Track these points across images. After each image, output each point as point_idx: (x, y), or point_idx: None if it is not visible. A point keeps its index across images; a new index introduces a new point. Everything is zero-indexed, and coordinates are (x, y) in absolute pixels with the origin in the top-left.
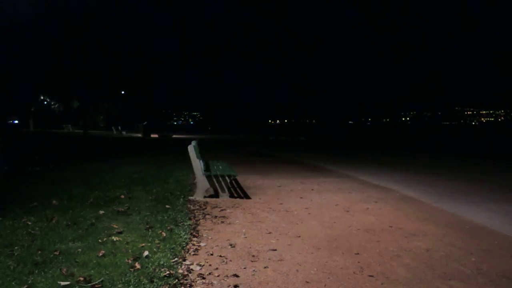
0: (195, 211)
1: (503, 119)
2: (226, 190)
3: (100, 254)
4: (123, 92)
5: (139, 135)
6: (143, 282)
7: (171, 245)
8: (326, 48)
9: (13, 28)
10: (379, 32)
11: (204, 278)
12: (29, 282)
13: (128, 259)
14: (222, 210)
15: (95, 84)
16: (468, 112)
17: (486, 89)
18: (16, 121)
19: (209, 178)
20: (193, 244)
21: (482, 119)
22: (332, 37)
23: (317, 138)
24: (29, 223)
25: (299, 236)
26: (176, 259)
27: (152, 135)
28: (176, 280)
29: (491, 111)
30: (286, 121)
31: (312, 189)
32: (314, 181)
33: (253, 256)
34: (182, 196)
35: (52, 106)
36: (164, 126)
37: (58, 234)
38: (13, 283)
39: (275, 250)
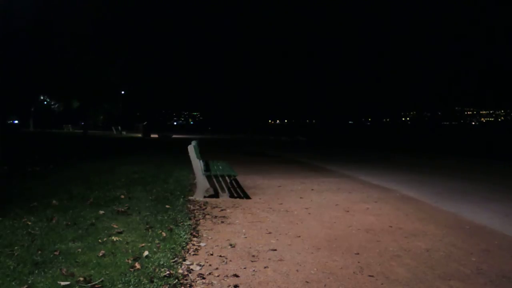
0: (195, 211)
1: (503, 119)
2: (226, 190)
3: (100, 254)
4: (123, 92)
5: (139, 135)
6: (143, 282)
7: (171, 245)
8: (326, 47)
9: (13, 28)
10: (379, 31)
11: (204, 278)
12: (29, 282)
13: (128, 259)
14: (222, 210)
15: (95, 84)
16: (468, 112)
17: (486, 89)
18: (16, 121)
19: (209, 178)
20: (193, 244)
21: (482, 119)
22: (333, 36)
23: (317, 138)
24: (29, 223)
25: (299, 236)
26: (176, 259)
27: (152, 135)
28: (176, 280)
29: (491, 111)
30: (286, 121)
31: (312, 189)
32: (314, 181)
33: (253, 256)
34: (182, 196)
35: (52, 106)
36: (164, 126)
37: (58, 234)
38: (13, 283)
39: (275, 250)
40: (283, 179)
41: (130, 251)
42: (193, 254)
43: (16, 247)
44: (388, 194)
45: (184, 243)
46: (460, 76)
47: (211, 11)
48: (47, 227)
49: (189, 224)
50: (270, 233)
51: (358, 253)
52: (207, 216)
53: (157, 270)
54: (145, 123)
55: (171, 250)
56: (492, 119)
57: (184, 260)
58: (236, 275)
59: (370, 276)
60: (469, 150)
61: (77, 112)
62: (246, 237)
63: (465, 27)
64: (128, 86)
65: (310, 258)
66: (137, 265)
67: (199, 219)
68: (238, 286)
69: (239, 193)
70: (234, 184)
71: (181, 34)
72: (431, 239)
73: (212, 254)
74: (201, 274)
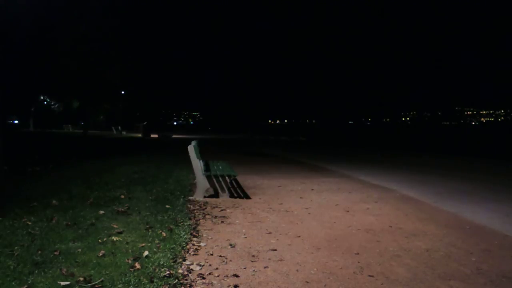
0: (195, 211)
1: (503, 119)
2: (226, 190)
3: (100, 254)
4: (123, 92)
5: (139, 135)
6: (143, 282)
7: (171, 245)
8: (326, 47)
9: (14, 29)
10: (380, 31)
11: (204, 278)
12: (29, 282)
13: (128, 259)
14: (222, 210)
15: (95, 84)
16: (468, 112)
17: (486, 89)
18: (16, 121)
19: (209, 178)
20: (193, 244)
21: (482, 119)
22: (333, 36)
23: (317, 138)
24: (29, 223)
25: (299, 236)
26: (176, 259)
27: (152, 135)
28: (176, 280)
29: (491, 111)
30: (286, 121)
31: (312, 189)
32: (314, 181)
33: (253, 256)
34: (182, 196)
35: (52, 106)
36: (164, 126)
37: (58, 234)
38: (13, 283)
39: (275, 250)
40: (283, 179)
41: (130, 251)
42: (193, 254)
43: (16, 247)
44: (388, 194)
45: (184, 243)
46: (460, 76)
47: (212, 11)
48: (47, 227)
49: (189, 224)
50: (270, 233)
51: (358, 253)
52: (207, 216)
53: (157, 270)
54: (145, 123)
55: (171, 250)
56: (492, 119)
57: (184, 260)
58: (236, 275)
59: (370, 276)
60: (469, 150)
61: (77, 112)
62: (246, 237)
63: (465, 26)
64: (128, 86)
65: (310, 258)
66: (137, 265)
67: (199, 219)
68: (238, 286)
69: (239, 193)
70: (234, 184)
71: (182, 34)
72: (431, 239)
73: (212, 254)
74: (201, 274)
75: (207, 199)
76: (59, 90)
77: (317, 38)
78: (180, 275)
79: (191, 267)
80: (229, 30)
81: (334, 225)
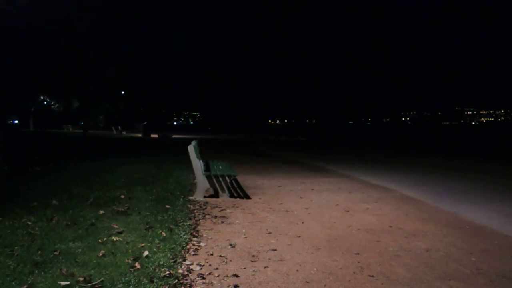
0: (195, 211)
1: (503, 119)
2: (226, 190)
3: (100, 254)
4: (123, 92)
5: (139, 135)
6: (143, 282)
7: (171, 245)
8: (326, 47)
9: (13, 29)
10: (379, 31)
11: (204, 278)
12: (29, 282)
13: (128, 259)
14: (222, 210)
15: (95, 84)
16: (468, 112)
17: (486, 89)
18: (16, 121)
19: (209, 178)
20: (193, 244)
21: (482, 119)
22: (332, 36)
23: (317, 138)
24: (29, 223)
25: (299, 236)
26: (176, 259)
27: (152, 135)
28: (176, 280)
29: (491, 111)
30: (286, 121)
31: (312, 189)
32: (314, 181)
33: (253, 256)
34: (182, 196)
35: (52, 106)
36: (164, 126)
37: (58, 234)
38: (13, 283)
39: (275, 250)
40: (283, 179)
41: (130, 251)
42: (193, 254)
43: (16, 247)
44: (388, 194)
45: (184, 243)
46: (461, 76)
47: (212, 11)
48: (47, 227)
49: (189, 224)
50: (270, 233)
51: (358, 253)
52: (207, 216)
53: (157, 270)
54: (145, 123)
55: (171, 250)
56: (492, 119)
57: (184, 260)
58: (236, 275)
59: (370, 276)
60: (469, 149)
61: (77, 112)
62: (246, 237)
63: (465, 26)
64: (128, 86)
65: (310, 258)
66: (137, 265)
67: (199, 219)
68: (238, 286)
69: (239, 193)
70: (234, 184)
71: (182, 34)
72: (431, 239)
73: (212, 254)
74: (201, 274)
75: (207, 199)
76: (59, 90)
77: (317, 38)
78: (180, 275)
79: (191, 267)
80: (230, 30)
81: (334, 225)
